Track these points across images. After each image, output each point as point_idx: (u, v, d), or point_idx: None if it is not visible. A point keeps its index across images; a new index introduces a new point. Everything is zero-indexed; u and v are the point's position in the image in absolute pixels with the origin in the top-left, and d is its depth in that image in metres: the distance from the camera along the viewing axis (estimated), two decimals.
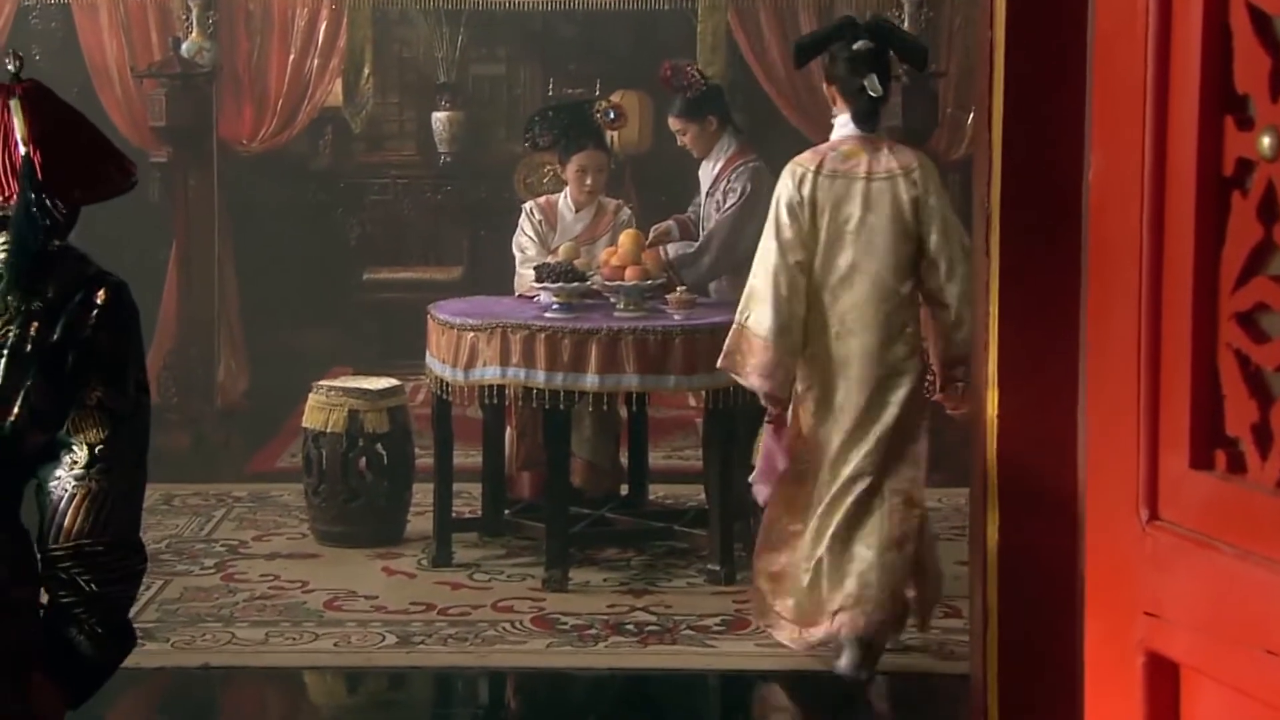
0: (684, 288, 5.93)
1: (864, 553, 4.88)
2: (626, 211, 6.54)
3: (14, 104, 2.53)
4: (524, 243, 6.38)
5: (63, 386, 2.51)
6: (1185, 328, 1.74)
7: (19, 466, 2.54)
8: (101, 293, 2.53)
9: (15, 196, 2.53)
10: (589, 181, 6.29)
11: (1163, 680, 1.77)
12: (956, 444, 7.56)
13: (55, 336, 2.49)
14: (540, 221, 6.39)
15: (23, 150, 2.51)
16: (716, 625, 5.42)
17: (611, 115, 6.31)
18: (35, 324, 2.49)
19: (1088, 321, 1.92)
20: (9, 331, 2.49)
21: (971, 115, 7.92)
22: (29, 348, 2.49)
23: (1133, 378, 1.80)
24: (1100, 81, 1.89)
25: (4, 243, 2.54)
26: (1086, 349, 1.93)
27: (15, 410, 2.49)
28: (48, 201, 2.51)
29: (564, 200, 6.41)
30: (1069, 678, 3.20)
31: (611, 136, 6.45)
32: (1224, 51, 1.70)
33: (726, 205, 6.19)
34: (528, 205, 6.49)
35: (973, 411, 3.59)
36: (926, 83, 8.07)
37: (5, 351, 2.48)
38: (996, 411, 3.37)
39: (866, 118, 4.98)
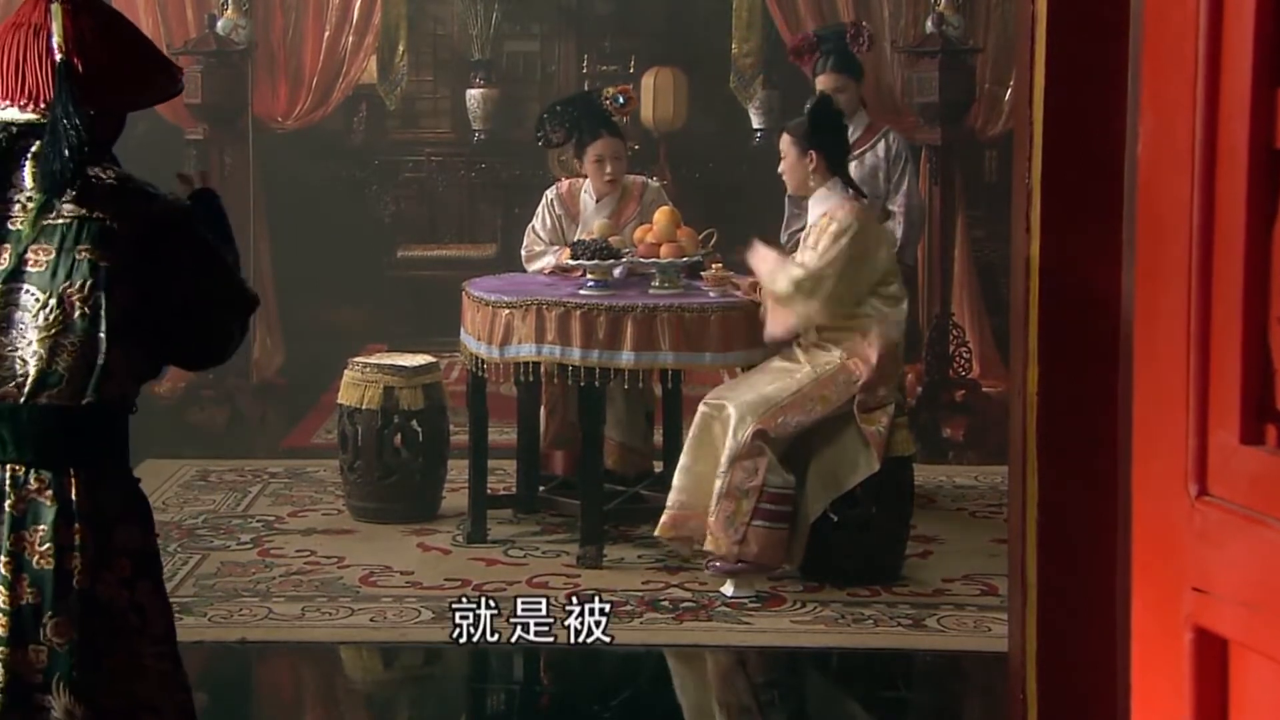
0: (720, 265, 5.92)
1: None
2: (654, 184, 6.51)
3: (54, 9, 2.54)
4: (531, 241, 6.37)
5: (153, 342, 2.57)
6: (1236, 301, 1.72)
7: (123, 412, 2.59)
8: (172, 246, 2.60)
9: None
10: (609, 170, 6.25)
11: (1211, 656, 1.76)
12: (993, 422, 7.56)
13: (141, 301, 2.52)
14: (560, 216, 6.36)
15: (59, 56, 2.52)
16: (752, 601, 5.42)
17: (621, 100, 6.27)
18: (120, 289, 2.52)
19: (1136, 295, 1.90)
20: (96, 297, 2.52)
21: (1010, 90, 7.90)
22: (121, 317, 2.52)
23: (1182, 352, 1.79)
24: (1150, 52, 1.87)
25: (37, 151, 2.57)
26: (1134, 323, 1.92)
27: (121, 382, 2.53)
28: (80, 107, 2.52)
29: (586, 188, 6.37)
30: (1108, 656, 3.19)
31: (623, 119, 6.41)
32: (1278, 22, 1.68)
33: (898, 174, 6.40)
34: (548, 194, 6.43)
35: (1012, 388, 3.57)
36: (963, 58, 8.04)
37: (103, 325, 2.52)
38: (1036, 388, 3.35)
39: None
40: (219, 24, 8.35)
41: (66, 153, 2.50)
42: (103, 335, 2.51)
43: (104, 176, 2.56)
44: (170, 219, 2.56)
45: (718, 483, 5.41)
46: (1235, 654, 1.74)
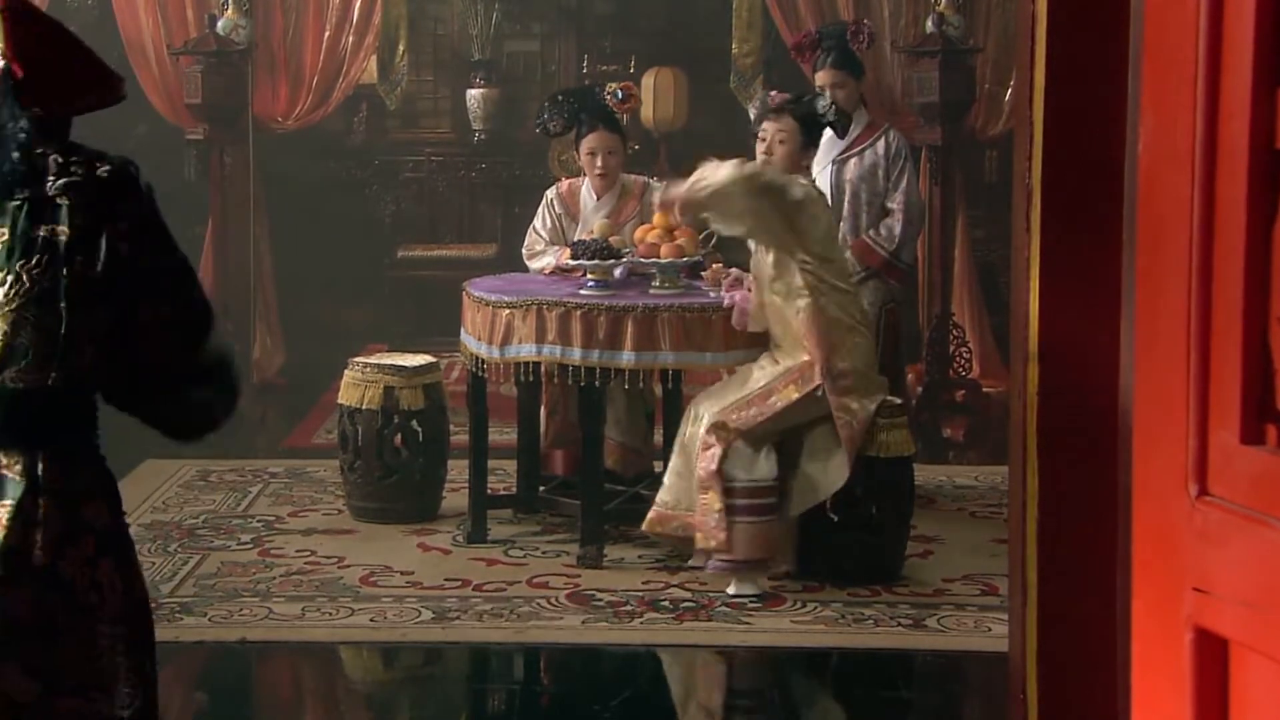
0: (720, 264, 5.92)
1: None
2: (655, 184, 6.51)
3: None
4: (532, 240, 6.39)
5: (120, 310, 2.58)
6: (1236, 301, 1.72)
7: (91, 390, 2.61)
8: (129, 206, 2.59)
9: None
10: (600, 163, 6.25)
11: (1211, 656, 1.76)
12: (993, 422, 7.57)
13: (100, 267, 2.54)
14: (560, 215, 6.37)
15: (1, 63, 2.57)
16: (752, 601, 5.42)
17: (620, 95, 6.28)
18: (79, 259, 2.54)
19: (1136, 295, 1.90)
20: (55, 270, 2.53)
21: (1010, 90, 7.91)
22: (82, 288, 2.54)
23: (1182, 352, 1.79)
24: (1150, 52, 1.87)
25: None
26: (1134, 323, 1.92)
27: (87, 354, 2.54)
28: (25, 110, 2.57)
29: (586, 187, 6.38)
30: (1108, 656, 3.19)
31: (624, 116, 6.42)
32: (1278, 22, 1.68)
33: (897, 171, 6.37)
34: (549, 194, 6.45)
35: (1012, 388, 3.57)
36: (963, 58, 8.04)
37: (62, 295, 2.54)
38: (1037, 388, 3.35)
39: None
40: (219, 24, 8.35)
41: (16, 155, 2.55)
42: (63, 305, 2.54)
43: (49, 154, 2.59)
44: (121, 176, 2.60)
45: (679, 468, 5.47)
46: (1236, 654, 1.74)
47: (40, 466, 2.57)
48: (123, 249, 2.56)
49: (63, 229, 2.55)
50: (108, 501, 2.65)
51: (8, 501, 2.57)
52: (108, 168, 2.60)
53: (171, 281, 2.65)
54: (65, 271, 2.54)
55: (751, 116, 6.00)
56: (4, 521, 2.56)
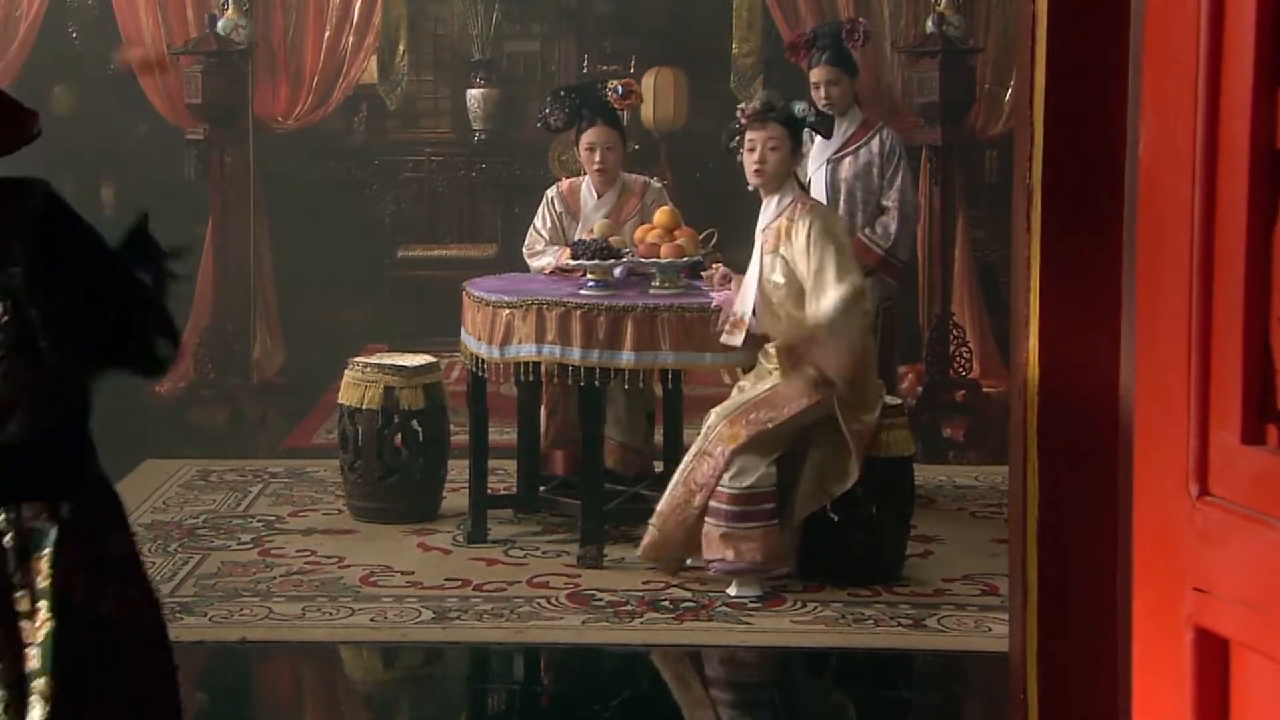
0: (720, 264, 5.92)
1: None
2: (656, 184, 6.51)
3: None
4: (532, 239, 6.40)
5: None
6: (1236, 301, 1.72)
7: (84, 419, 2.60)
8: (67, 228, 2.57)
9: None
10: (598, 159, 6.25)
11: (1212, 656, 1.76)
12: (993, 422, 7.57)
13: (63, 296, 2.53)
14: (561, 213, 6.37)
15: None
16: (752, 601, 5.42)
17: (620, 91, 6.28)
18: (40, 294, 2.52)
19: (1136, 295, 1.90)
20: (20, 314, 2.52)
21: (1010, 90, 7.91)
22: (53, 322, 2.52)
23: (1183, 352, 1.79)
24: (1150, 52, 1.87)
25: None
26: (1135, 323, 1.92)
27: (79, 388, 2.54)
28: None
29: (586, 185, 6.38)
30: (1109, 656, 3.19)
31: (624, 114, 6.41)
32: (1278, 22, 1.68)
33: (891, 169, 6.37)
34: (549, 193, 6.45)
35: (1013, 387, 3.57)
36: (963, 58, 8.04)
37: (41, 335, 2.52)
38: (1037, 388, 3.35)
39: None
40: (219, 24, 8.35)
41: None
42: (45, 346, 2.52)
43: None
44: (50, 201, 2.58)
45: (679, 471, 5.48)
46: (1236, 654, 1.74)
47: (65, 509, 2.58)
48: (62, 269, 2.53)
49: (16, 270, 2.54)
50: (124, 528, 2.67)
51: (46, 550, 2.58)
52: (36, 198, 2.58)
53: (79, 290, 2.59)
54: (33, 312, 2.52)
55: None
56: (45, 571, 2.57)
